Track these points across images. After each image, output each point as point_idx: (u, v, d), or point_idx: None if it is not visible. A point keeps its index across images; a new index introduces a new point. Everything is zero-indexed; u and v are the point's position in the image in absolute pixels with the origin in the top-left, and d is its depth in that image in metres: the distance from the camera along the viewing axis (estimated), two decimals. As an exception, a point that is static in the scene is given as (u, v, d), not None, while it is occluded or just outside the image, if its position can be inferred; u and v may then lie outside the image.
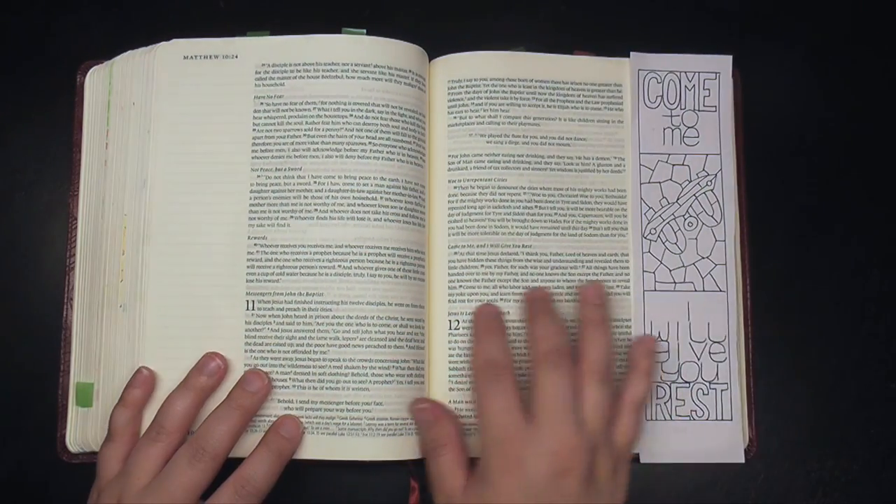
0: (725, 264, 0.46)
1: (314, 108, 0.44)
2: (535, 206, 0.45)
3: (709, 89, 0.47)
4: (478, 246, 0.45)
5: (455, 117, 0.46)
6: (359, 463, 0.43)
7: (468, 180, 0.45)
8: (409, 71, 0.45)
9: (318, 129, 0.44)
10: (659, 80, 0.47)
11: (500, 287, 0.45)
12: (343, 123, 0.44)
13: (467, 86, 0.46)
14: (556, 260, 0.45)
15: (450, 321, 0.45)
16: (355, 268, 0.43)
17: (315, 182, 0.43)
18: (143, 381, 0.42)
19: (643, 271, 0.46)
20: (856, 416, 0.47)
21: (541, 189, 0.46)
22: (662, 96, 0.47)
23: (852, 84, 0.49)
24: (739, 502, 0.46)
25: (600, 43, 0.47)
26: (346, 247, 0.43)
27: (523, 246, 0.45)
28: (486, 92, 0.46)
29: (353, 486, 0.46)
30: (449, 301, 0.45)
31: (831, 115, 0.49)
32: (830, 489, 0.46)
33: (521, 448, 0.38)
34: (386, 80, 0.44)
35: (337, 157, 0.43)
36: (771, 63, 0.49)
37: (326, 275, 0.43)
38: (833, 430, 0.47)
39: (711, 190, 0.46)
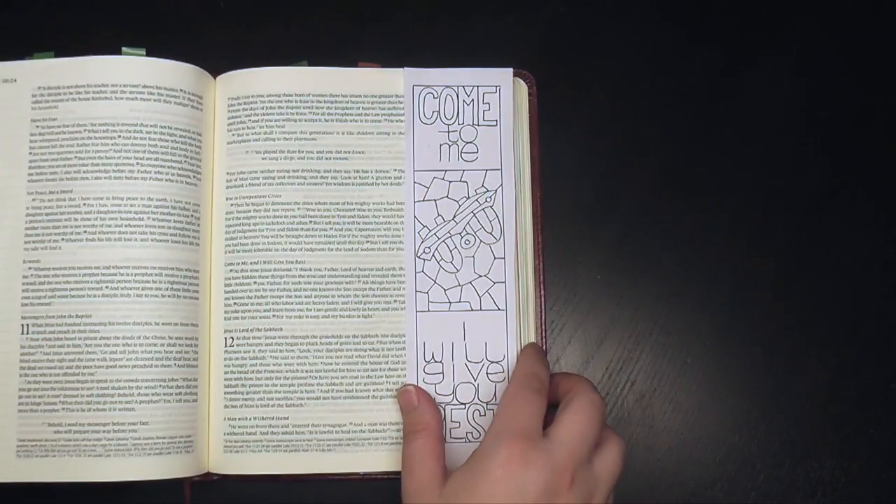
0: (505, 282, 0.45)
1: (85, 131, 0.44)
2: (310, 222, 0.45)
3: (488, 103, 0.46)
4: (251, 263, 0.45)
5: (234, 135, 0.46)
6: (127, 484, 0.43)
7: (244, 197, 0.45)
8: (181, 90, 0.45)
9: (89, 151, 0.44)
10: (435, 96, 0.46)
11: (273, 304, 0.44)
12: (112, 145, 0.44)
13: (245, 103, 0.46)
14: (330, 275, 0.45)
15: (225, 338, 0.44)
16: (122, 288, 0.43)
17: (84, 204, 0.44)
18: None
19: (416, 291, 0.45)
20: (856, 416, 0.46)
21: (316, 204, 0.45)
22: (439, 112, 0.46)
23: (854, 80, 0.49)
24: (739, 502, 0.46)
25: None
26: (113, 268, 0.43)
27: (297, 262, 0.45)
28: (263, 108, 0.46)
29: None
30: (225, 318, 0.45)
31: (831, 113, 0.48)
32: (830, 489, 0.46)
33: (532, 449, 0.37)
34: (155, 101, 0.44)
35: (105, 178, 0.44)
36: (768, 63, 0.49)
37: (94, 296, 0.43)
38: (833, 430, 0.46)
39: (491, 206, 0.45)
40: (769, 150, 0.48)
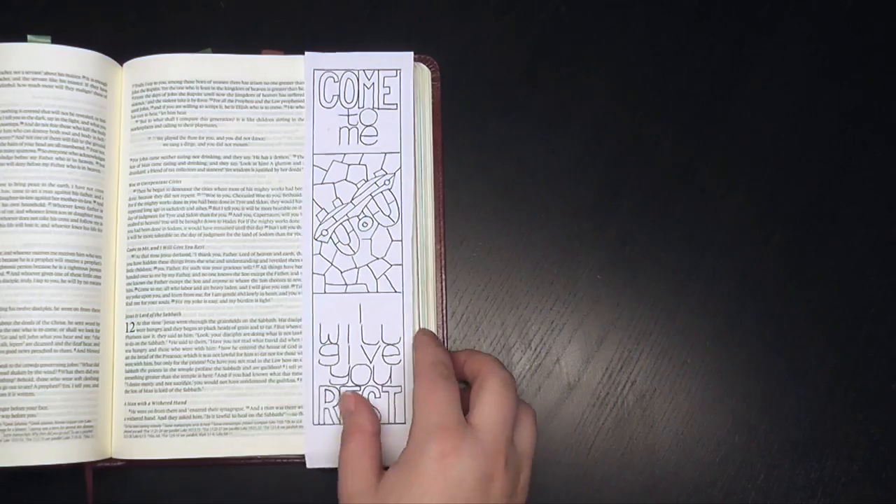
0: (402, 265, 0.44)
1: (-12, 117, 0.45)
2: (210, 207, 0.45)
3: (389, 87, 0.46)
4: (152, 248, 0.45)
5: (137, 121, 0.46)
6: (29, 469, 0.43)
7: (146, 183, 0.46)
8: (84, 77, 0.45)
9: (-8, 139, 0.44)
10: (336, 80, 0.46)
11: (173, 289, 0.45)
12: (14, 131, 0.44)
13: (149, 89, 0.46)
14: (229, 260, 0.45)
15: (127, 324, 0.45)
16: (23, 273, 0.44)
17: (-12, 191, 0.44)
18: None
19: (313, 273, 0.45)
20: (856, 416, 0.46)
21: (216, 189, 0.45)
22: (339, 95, 0.46)
23: (854, 80, 0.49)
24: (739, 502, 0.46)
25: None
26: (14, 253, 0.44)
27: (196, 247, 0.45)
28: (165, 95, 0.46)
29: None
30: (127, 304, 0.45)
31: (831, 113, 0.48)
32: (830, 489, 0.46)
33: (460, 438, 0.37)
34: (57, 87, 0.45)
35: (7, 164, 0.44)
36: (768, 63, 0.49)
37: (-4, 282, 0.44)
38: (833, 430, 0.46)
39: (389, 189, 0.45)
40: (769, 149, 0.48)
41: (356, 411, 0.42)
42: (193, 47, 0.47)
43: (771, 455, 0.46)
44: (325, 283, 0.45)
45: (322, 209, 0.45)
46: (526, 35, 0.49)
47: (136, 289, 0.45)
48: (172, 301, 0.45)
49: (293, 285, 0.45)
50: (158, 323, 0.44)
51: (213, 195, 0.45)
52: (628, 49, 0.49)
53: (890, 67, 0.49)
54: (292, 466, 0.45)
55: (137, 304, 0.45)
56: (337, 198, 0.45)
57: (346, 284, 0.45)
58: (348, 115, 0.46)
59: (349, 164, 0.46)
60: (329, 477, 0.43)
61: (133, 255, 0.45)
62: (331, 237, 0.45)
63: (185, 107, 0.46)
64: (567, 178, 0.48)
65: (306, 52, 0.46)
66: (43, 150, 0.44)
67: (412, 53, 0.46)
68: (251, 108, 0.46)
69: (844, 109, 0.48)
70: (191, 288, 0.45)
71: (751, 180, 0.48)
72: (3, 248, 0.44)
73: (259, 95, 0.46)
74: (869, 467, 0.46)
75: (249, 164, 0.46)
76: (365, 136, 0.46)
